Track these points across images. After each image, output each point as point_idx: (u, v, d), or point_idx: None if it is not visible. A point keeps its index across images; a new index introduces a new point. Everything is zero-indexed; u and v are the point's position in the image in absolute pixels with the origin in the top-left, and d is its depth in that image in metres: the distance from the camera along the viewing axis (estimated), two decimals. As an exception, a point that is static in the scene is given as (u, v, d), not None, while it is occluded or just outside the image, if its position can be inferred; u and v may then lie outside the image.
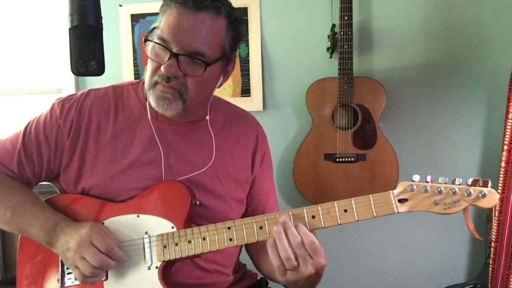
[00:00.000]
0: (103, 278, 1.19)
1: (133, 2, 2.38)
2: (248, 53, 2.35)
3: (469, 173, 2.24)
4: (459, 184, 1.03)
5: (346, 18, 2.11)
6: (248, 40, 2.34)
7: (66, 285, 1.23)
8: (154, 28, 1.23)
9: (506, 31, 2.22)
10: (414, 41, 2.28)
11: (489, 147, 2.28)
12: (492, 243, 2.02)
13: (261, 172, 1.42)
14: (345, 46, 2.12)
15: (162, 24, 1.20)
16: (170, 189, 1.24)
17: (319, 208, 1.10)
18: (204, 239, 1.15)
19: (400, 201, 1.06)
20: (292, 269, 1.05)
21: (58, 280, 1.23)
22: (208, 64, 1.20)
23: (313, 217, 1.10)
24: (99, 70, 1.29)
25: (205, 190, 1.30)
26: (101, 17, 1.29)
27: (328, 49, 2.23)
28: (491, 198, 1.02)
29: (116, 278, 1.19)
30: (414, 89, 2.31)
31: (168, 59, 1.17)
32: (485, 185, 1.03)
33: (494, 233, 2.01)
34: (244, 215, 1.39)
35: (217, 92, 1.38)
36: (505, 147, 1.96)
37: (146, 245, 1.19)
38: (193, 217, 1.23)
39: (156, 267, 1.18)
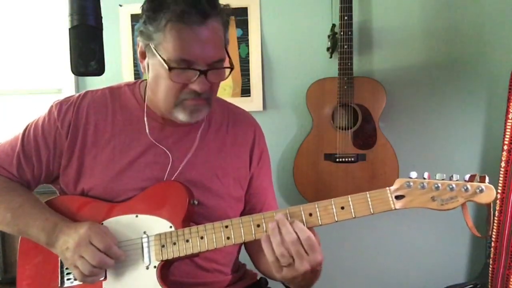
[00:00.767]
0: (102, 278, 1.19)
1: (133, 2, 2.38)
2: (248, 53, 2.35)
3: (469, 172, 2.22)
4: (457, 180, 1.03)
5: (346, 18, 2.11)
6: (248, 40, 2.34)
7: (65, 285, 1.24)
8: (148, 40, 1.19)
9: (506, 31, 2.22)
10: (414, 41, 2.28)
11: (489, 147, 2.28)
12: (492, 243, 2.02)
13: (259, 170, 1.42)
14: (345, 46, 2.12)
15: (171, 43, 1.15)
16: (168, 189, 1.24)
17: (316, 206, 1.10)
18: (202, 238, 1.16)
19: (397, 197, 1.06)
20: (287, 266, 1.06)
21: (57, 281, 1.24)
22: (233, 66, 1.22)
23: (310, 214, 1.10)
24: (99, 70, 1.30)
25: (204, 189, 1.30)
26: (101, 17, 1.29)
27: (328, 49, 2.23)
28: (489, 193, 1.02)
29: (114, 278, 1.20)
30: (414, 89, 2.31)
31: (196, 77, 1.17)
32: (482, 180, 1.02)
33: (494, 233, 2.00)
34: (243, 213, 1.40)
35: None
36: (505, 147, 1.96)
37: (145, 245, 1.19)
38: (192, 217, 1.23)
39: (155, 267, 1.18)
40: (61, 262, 1.24)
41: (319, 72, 2.29)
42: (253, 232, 1.13)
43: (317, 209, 1.10)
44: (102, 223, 1.23)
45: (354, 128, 2.18)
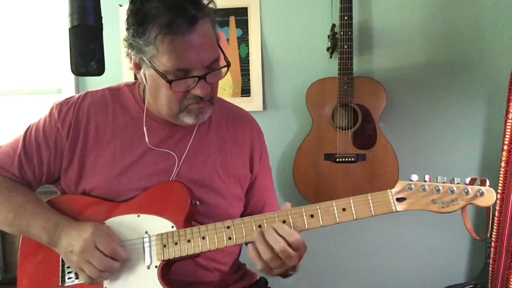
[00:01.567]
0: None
1: (133, 2, 2.38)
2: (248, 53, 2.35)
3: (469, 173, 2.21)
4: (457, 183, 1.04)
5: (346, 18, 2.11)
6: (248, 40, 2.34)
7: (66, 284, 1.24)
8: (140, 54, 1.18)
9: (506, 31, 2.22)
10: (414, 41, 2.28)
11: (489, 147, 2.28)
12: (492, 243, 2.02)
13: (260, 169, 1.43)
14: (345, 46, 2.12)
15: (165, 56, 1.14)
16: (170, 189, 1.25)
17: (318, 207, 1.11)
18: (203, 238, 1.16)
19: (398, 200, 1.07)
20: (278, 267, 1.11)
21: (58, 279, 1.24)
22: (229, 62, 1.22)
23: (312, 216, 1.11)
24: (99, 70, 1.30)
25: (206, 187, 1.31)
26: (101, 17, 1.30)
27: (328, 49, 2.24)
28: (489, 196, 1.02)
29: (116, 277, 1.20)
30: (414, 89, 2.31)
31: (196, 83, 1.17)
32: (483, 183, 1.03)
33: (494, 233, 2.01)
34: (244, 211, 1.41)
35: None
36: (505, 147, 1.96)
37: (146, 245, 1.20)
38: (193, 217, 1.24)
39: (156, 266, 1.18)
40: (62, 261, 1.25)
41: (319, 72, 2.29)
42: (254, 233, 1.13)
43: (318, 211, 1.11)
44: (104, 223, 1.23)
45: (354, 128, 2.18)
